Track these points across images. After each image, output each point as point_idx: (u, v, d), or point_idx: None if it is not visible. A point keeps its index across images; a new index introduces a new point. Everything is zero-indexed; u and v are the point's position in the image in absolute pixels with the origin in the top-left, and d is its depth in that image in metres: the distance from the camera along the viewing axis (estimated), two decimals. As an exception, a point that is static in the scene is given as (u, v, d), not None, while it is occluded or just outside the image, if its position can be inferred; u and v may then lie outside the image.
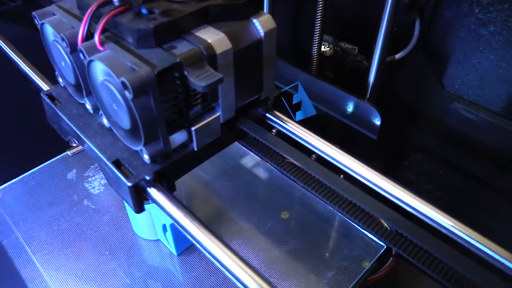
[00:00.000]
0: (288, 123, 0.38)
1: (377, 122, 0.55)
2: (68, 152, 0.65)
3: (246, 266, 0.29)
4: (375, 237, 0.32)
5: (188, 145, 0.34)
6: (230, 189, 0.60)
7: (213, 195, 0.60)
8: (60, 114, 0.38)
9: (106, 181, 0.63)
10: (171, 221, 0.51)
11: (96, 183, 0.62)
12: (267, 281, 0.28)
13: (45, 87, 0.43)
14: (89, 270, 0.52)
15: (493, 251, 0.29)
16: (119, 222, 0.57)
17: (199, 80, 0.29)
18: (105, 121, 0.35)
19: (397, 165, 0.68)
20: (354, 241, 0.54)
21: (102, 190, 0.61)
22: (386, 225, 0.33)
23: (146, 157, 0.32)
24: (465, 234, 0.30)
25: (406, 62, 0.57)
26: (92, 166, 0.64)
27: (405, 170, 0.67)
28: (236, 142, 0.65)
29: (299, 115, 0.64)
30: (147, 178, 0.32)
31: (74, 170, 0.64)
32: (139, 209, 0.34)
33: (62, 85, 0.40)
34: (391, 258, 0.62)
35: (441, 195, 0.65)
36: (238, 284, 0.29)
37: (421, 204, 0.32)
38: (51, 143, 0.76)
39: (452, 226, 0.30)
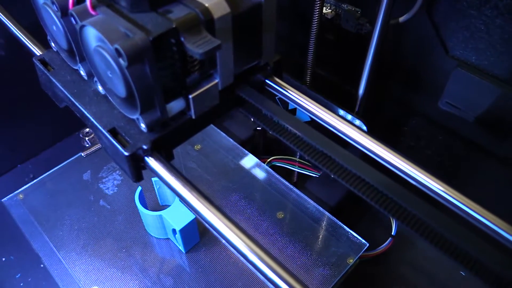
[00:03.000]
0: (288, 90, 0.36)
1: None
2: (82, 154, 0.64)
3: (240, 232, 0.27)
4: (374, 205, 0.29)
5: (185, 113, 0.32)
6: (230, 190, 0.61)
7: (215, 195, 0.60)
8: (54, 80, 0.35)
9: (118, 182, 0.62)
10: (181, 227, 0.51)
11: (110, 184, 0.62)
12: (254, 241, 0.28)
13: (38, 52, 0.40)
14: (109, 266, 0.53)
15: (490, 221, 0.27)
16: (133, 222, 0.58)
17: (196, 47, 0.26)
18: (100, 88, 0.33)
19: (396, 130, 0.65)
20: (340, 239, 0.56)
21: (115, 190, 0.61)
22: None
23: (143, 126, 0.30)
24: (463, 204, 0.28)
25: (410, 25, 0.54)
26: (105, 167, 0.64)
27: (404, 135, 0.65)
28: (238, 145, 0.67)
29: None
30: (144, 147, 0.30)
31: (89, 171, 0.63)
32: (137, 178, 0.31)
33: (55, 50, 0.37)
34: (390, 238, 0.60)
35: (440, 161, 0.63)
36: (234, 251, 0.28)
37: (416, 171, 0.29)
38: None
39: (450, 195, 0.28)
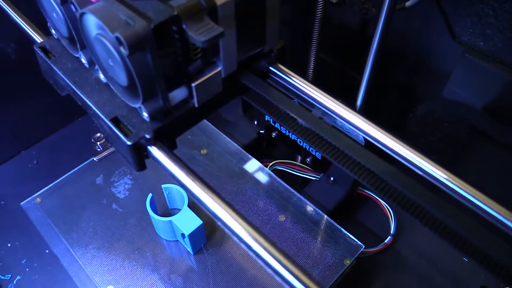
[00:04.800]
0: (292, 77, 0.34)
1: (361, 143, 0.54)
2: (95, 158, 0.65)
3: (241, 219, 0.26)
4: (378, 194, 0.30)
5: (188, 101, 0.30)
6: (235, 193, 0.62)
7: None
8: (55, 68, 0.34)
9: (130, 186, 0.63)
10: (190, 232, 0.51)
11: (121, 188, 0.63)
12: (255, 228, 0.26)
13: (38, 39, 0.38)
14: (122, 266, 0.55)
15: (493, 209, 0.26)
16: (144, 225, 0.59)
17: (198, 34, 0.25)
18: (101, 76, 0.31)
19: (401, 116, 0.64)
20: (338, 241, 0.57)
21: (127, 194, 0.62)
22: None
23: (145, 114, 0.29)
24: (467, 192, 0.27)
25: (416, 10, 0.51)
26: (116, 172, 0.64)
27: (409, 121, 0.63)
28: (242, 150, 0.65)
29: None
30: (147, 136, 0.29)
31: (101, 175, 0.64)
32: (140, 167, 0.30)
33: (56, 37, 0.35)
34: (389, 236, 0.62)
35: (444, 148, 0.61)
36: (235, 238, 0.27)
37: (420, 159, 0.28)
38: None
39: (453, 183, 0.27)
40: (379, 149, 0.30)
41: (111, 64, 0.27)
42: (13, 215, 0.67)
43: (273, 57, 0.34)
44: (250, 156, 0.66)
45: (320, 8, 0.53)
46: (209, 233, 0.57)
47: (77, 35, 0.31)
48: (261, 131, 0.71)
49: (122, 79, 0.27)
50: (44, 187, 0.63)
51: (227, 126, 0.74)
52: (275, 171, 0.67)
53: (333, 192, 0.64)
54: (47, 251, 0.63)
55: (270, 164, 0.68)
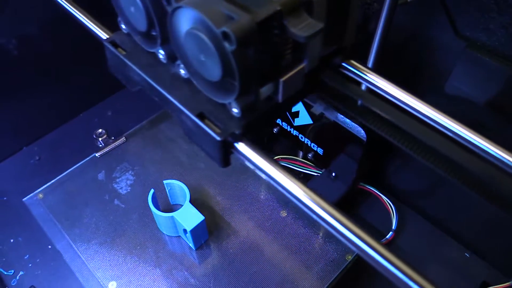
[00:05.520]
0: (366, 73, 0.33)
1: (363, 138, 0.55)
2: (96, 154, 0.65)
3: (337, 212, 0.26)
4: None
5: (271, 97, 0.30)
6: (237, 189, 0.62)
7: (222, 194, 0.61)
8: (129, 63, 0.33)
9: (131, 182, 0.63)
10: (191, 227, 0.51)
11: (123, 184, 0.63)
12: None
13: (103, 35, 0.37)
14: (125, 261, 0.55)
15: None
16: (146, 220, 0.59)
17: (299, 30, 0.25)
18: (182, 72, 0.30)
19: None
20: None
21: (128, 190, 0.62)
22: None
23: (235, 110, 0.28)
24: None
25: (418, 5, 0.51)
26: (118, 168, 0.64)
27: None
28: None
29: (297, 122, 0.64)
30: (237, 132, 0.28)
31: (103, 171, 0.64)
32: (226, 163, 0.30)
33: (125, 32, 0.34)
34: (391, 232, 0.62)
35: None
36: (339, 237, 0.26)
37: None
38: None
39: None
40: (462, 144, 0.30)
41: (203, 59, 0.26)
42: (15, 211, 0.67)
43: (348, 54, 0.34)
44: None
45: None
46: (211, 229, 0.57)
47: (161, 29, 0.30)
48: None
49: (216, 74, 0.26)
50: (46, 183, 0.64)
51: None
52: (276, 166, 0.67)
53: (335, 187, 0.64)
54: (49, 246, 0.63)
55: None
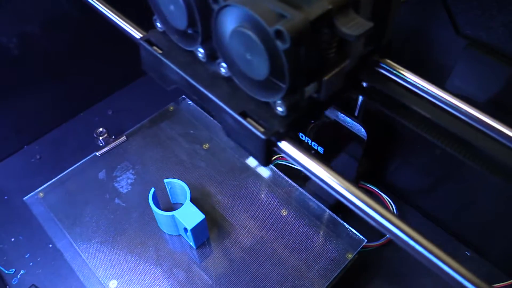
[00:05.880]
0: (402, 72, 0.33)
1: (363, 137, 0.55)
2: (97, 153, 0.65)
3: (386, 212, 0.26)
4: None
5: (312, 96, 0.30)
6: (238, 188, 0.62)
7: (223, 193, 0.61)
8: (167, 62, 0.32)
9: (132, 181, 0.63)
10: (192, 226, 0.51)
11: (124, 183, 0.63)
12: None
13: (136, 34, 0.36)
14: (125, 260, 0.55)
15: None
16: (147, 219, 0.59)
17: (348, 29, 0.25)
18: (223, 70, 0.30)
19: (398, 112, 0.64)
20: (341, 235, 0.57)
21: (129, 189, 0.62)
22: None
23: (280, 109, 0.28)
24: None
25: (419, 3, 0.51)
26: (118, 166, 0.64)
27: (409, 115, 0.63)
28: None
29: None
30: (281, 131, 0.28)
31: (104, 170, 0.64)
32: (268, 162, 0.30)
33: (161, 30, 0.34)
34: None
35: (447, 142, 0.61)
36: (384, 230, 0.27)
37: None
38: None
39: None
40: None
41: (249, 58, 0.26)
42: (16, 210, 0.67)
43: (384, 52, 0.34)
44: (252, 151, 0.66)
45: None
46: (212, 228, 0.57)
47: (203, 28, 0.30)
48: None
49: (262, 73, 0.26)
50: (47, 182, 0.63)
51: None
52: (277, 165, 0.67)
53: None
54: (50, 245, 0.64)
55: (273, 159, 0.68)
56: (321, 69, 0.28)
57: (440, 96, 0.32)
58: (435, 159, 0.64)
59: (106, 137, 0.67)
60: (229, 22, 0.26)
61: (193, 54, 0.32)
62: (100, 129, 0.67)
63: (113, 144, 0.66)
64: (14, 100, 0.73)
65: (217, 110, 0.30)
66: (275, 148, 0.29)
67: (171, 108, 0.72)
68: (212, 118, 0.70)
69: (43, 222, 0.60)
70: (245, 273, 0.53)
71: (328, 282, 0.53)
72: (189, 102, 0.73)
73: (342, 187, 0.27)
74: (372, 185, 0.67)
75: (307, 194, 0.61)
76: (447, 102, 0.32)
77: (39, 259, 0.63)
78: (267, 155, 0.29)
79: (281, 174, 0.63)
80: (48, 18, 0.70)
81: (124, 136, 0.68)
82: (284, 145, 0.29)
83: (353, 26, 0.25)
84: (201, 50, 0.32)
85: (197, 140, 0.68)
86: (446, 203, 0.65)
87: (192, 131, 0.69)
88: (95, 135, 0.67)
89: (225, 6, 0.25)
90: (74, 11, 0.71)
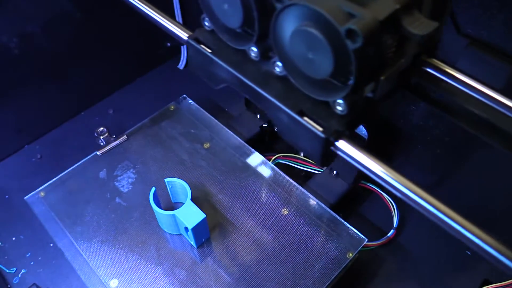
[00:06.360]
0: (451, 71, 0.32)
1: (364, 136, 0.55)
2: (98, 152, 0.65)
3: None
4: None
5: (367, 95, 0.29)
6: (238, 187, 0.62)
7: (224, 192, 0.61)
8: (217, 60, 0.32)
9: (132, 180, 0.63)
10: (193, 225, 0.51)
11: (125, 182, 0.62)
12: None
13: (181, 34, 0.36)
14: (126, 260, 0.55)
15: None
16: (147, 218, 0.59)
17: (415, 28, 0.24)
18: (277, 69, 0.30)
19: (403, 108, 0.63)
20: (341, 235, 0.57)
21: (130, 188, 0.62)
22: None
23: (340, 108, 0.28)
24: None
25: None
26: (119, 166, 0.64)
27: (412, 115, 0.63)
28: (245, 144, 0.64)
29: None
30: (340, 129, 0.28)
31: (105, 169, 0.64)
32: (324, 162, 0.30)
33: (208, 29, 0.33)
34: (392, 230, 0.62)
35: (448, 141, 0.61)
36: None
37: None
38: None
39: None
40: None
41: (310, 57, 0.26)
42: (17, 209, 0.67)
43: (432, 51, 0.33)
44: (252, 149, 0.66)
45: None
46: (212, 227, 0.57)
47: (260, 27, 0.29)
48: (263, 125, 0.71)
49: (324, 72, 0.26)
50: (48, 181, 0.63)
51: (229, 119, 0.74)
52: (278, 164, 0.67)
53: (336, 185, 0.64)
54: (51, 244, 0.64)
55: (273, 158, 0.68)
56: (383, 68, 0.28)
57: (490, 94, 0.32)
58: (436, 158, 0.63)
59: (106, 136, 0.67)
60: (292, 21, 0.26)
61: (244, 53, 0.32)
62: (101, 129, 0.67)
63: (113, 144, 0.66)
64: (14, 99, 0.73)
65: (272, 109, 0.30)
66: (332, 148, 0.29)
67: (172, 107, 0.72)
68: (213, 118, 0.70)
69: (44, 221, 0.60)
70: (246, 272, 0.54)
71: (329, 281, 0.53)
72: (189, 102, 0.73)
73: (405, 187, 0.27)
74: (373, 184, 0.67)
75: (308, 193, 0.60)
76: (498, 100, 0.31)
77: (40, 258, 0.63)
78: (325, 154, 0.29)
79: (281, 173, 0.63)
80: (48, 18, 0.70)
81: (125, 136, 0.68)
82: (341, 144, 0.29)
83: (419, 25, 0.25)
84: (254, 49, 0.31)
85: (198, 139, 0.67)
86: (446, 202, 0.65)
87: (193, 130, 0.69)
88: (95, 135, 0.67)
89: (290, 5, 0.25)
90: (75, 11, 0.71)
